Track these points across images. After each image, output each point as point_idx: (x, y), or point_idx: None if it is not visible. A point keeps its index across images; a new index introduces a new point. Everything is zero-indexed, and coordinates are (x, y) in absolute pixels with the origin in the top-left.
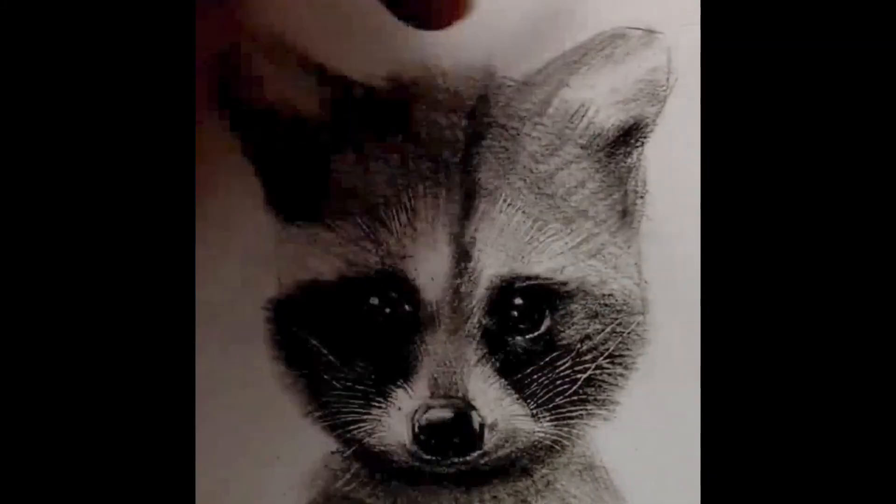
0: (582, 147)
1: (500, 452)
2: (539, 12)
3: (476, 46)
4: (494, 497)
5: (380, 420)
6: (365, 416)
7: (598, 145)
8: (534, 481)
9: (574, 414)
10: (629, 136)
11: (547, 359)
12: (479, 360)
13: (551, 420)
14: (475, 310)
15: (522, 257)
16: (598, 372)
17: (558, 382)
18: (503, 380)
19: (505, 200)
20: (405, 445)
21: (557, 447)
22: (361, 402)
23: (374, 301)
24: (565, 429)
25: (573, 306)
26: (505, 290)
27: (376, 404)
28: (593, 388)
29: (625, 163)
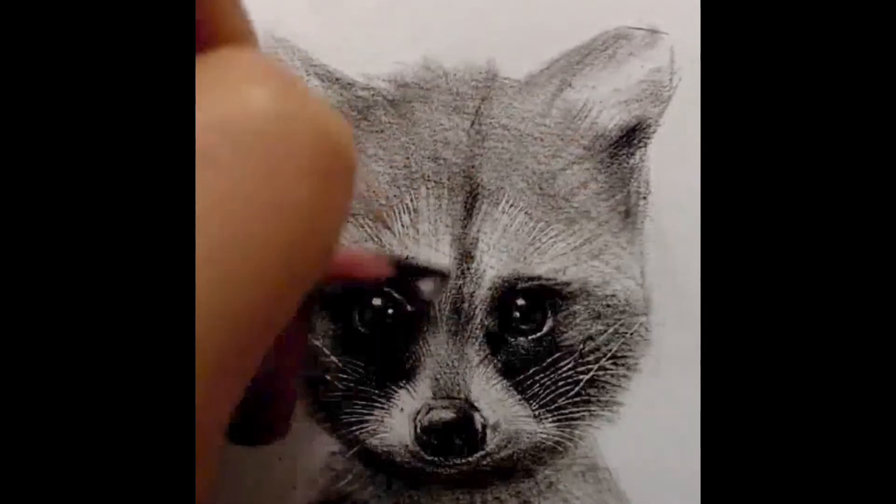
0: (584, 148)
1: (503, 453)
2: (541, 12)
3: (478, 47)
4: (497, 498)
5: (382, 421)
6: (367, 417)
7: (600, 146)
8: (536, 482)
9: (577, 415)
10: (632, 136)
11: (549, 360)
12: (481, 361)
13: (554, 421)
14: (477, 311)
15: (525, 258)
16: (600, 373)
17: (561, 383)
18: (505, 381)
19: (507, 201)
20: (407, 446)
21: (560, 448)
22: (363, 402)
23: (377, 302)
24: (568, 430)
25: (575, 307)
26: (507, 290)
27: (378, 405)
28: (596, 390)
29: (627, 163)
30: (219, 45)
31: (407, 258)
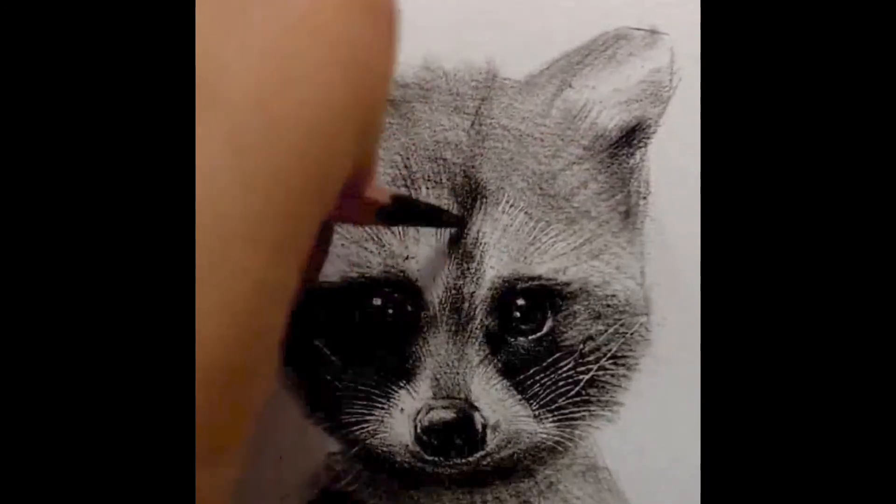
0: (584, 148)
1: (503, 453)
2: (541, 13)
3: (478, 47)
4: (497, 498)
5: (382, 421)
6: (367, 417)
7: (600, 146)
8: (536, 482)
9: (577, 415)
10: (632, 136)
11: (549, 360)
12: (481, 361)
13: (554, 421)
14: (477, 311)
15: (525, 258)
16: (600, 373)
17: (561, 383)
18: (505, 381)
19: (507, 201)
20: (407, 446)
21: (560, 448)
22: (364, 403)
23: (377, 302)
24: (568, 430)
25: (576, 307)
26: (507, 290)
27: (379, 405)
28: (596, 390)
29: (627, 163)
30: None
31: (407, 259)
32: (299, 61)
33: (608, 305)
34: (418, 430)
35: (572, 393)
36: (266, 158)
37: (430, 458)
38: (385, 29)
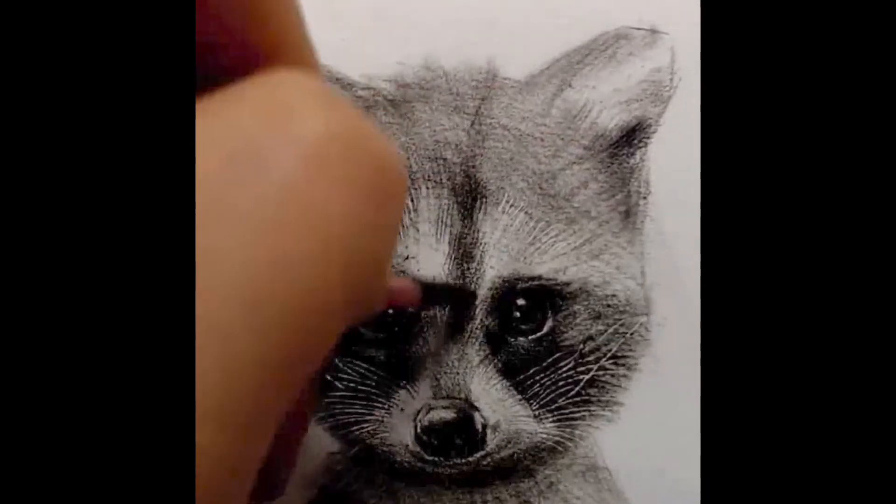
0: (585, 148)
1: (503, 453)
2: (541, 13)
3: (478, 47)
4: (497, 498)
5: (382, 421)
6: (367, 417)
7: (600, 146)
8: (536, 482)
9: (577, 415)
10: (632, 136)
11: (549, 360)
12: (481, 361)
13: (554, 421)
14: (477, 311)
15: (525, 258)
16: (600, 373)
17: (561, 383)
18: (505, 381)
19: (508, 201)
20: (408, 446)
21: (560, 448)
22: (364, 402)
23: None
24: (568, 430)
25: (576, 307)
26: (507, 290)
27: (379, 405)
28: (596, 390)
29: (628, 163)
30: (274, 65)
31: (407, 258)
32: (287, 237)
33: (608, 305)
34: (418, 430)
35: (572, 393)
36: (249, 341)
37: (430, 458)
38: (389, 208)
